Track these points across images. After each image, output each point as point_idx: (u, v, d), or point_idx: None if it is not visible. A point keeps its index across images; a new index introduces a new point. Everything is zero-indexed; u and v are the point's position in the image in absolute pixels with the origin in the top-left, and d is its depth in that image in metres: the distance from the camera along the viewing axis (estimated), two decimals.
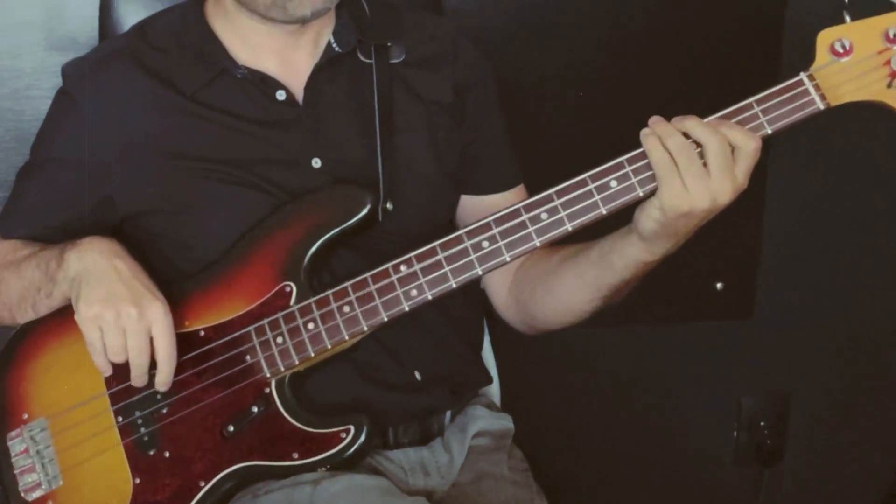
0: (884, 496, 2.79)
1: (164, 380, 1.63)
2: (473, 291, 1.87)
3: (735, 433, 2.71)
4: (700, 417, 2.68)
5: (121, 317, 1.58)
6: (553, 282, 1.76)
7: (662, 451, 2.67)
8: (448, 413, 1.85)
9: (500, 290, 1.88)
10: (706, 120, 1.54)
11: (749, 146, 1.52)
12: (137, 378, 1.62)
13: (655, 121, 1.54)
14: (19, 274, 1.73)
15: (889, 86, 1.53)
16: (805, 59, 1.58)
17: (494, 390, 1.99)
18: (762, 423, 2.69)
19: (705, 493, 2.72)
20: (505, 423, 1.89)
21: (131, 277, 1.61)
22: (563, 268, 1.73)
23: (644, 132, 1.54)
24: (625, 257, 1.63)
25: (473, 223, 1.62)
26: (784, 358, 2.66)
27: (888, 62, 1.53)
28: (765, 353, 2.64)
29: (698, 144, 1.51)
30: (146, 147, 1.74)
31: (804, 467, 2.74)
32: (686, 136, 1.52)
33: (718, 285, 2.52)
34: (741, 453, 2.71)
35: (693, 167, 1.51)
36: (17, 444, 1.70)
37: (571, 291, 1.73)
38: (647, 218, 1.56)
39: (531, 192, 1.87)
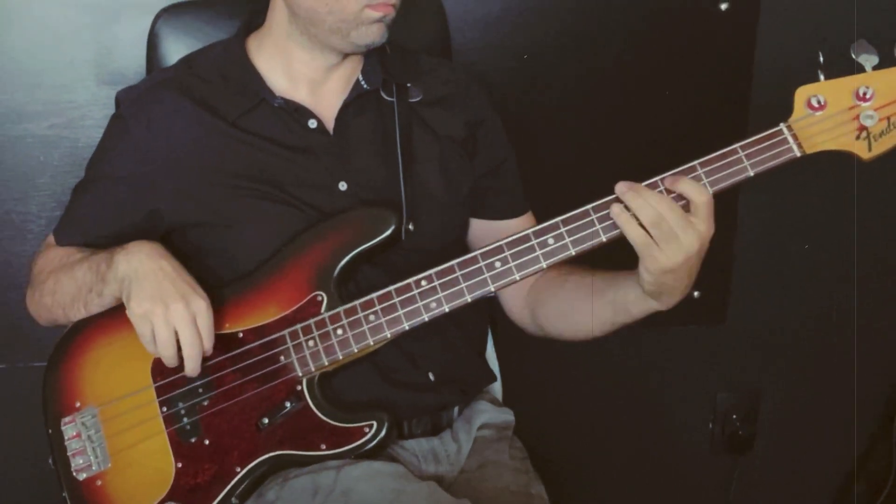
0: (842, 481, 2.81)
1: (194, 366, 1.62)
2: (479, 301, 1.86)
3: (710, 425, 2.72)
4: (679, 411, 2.69)
5: (169, 311, 1.59)
6: (567, 309, 1.79)
7: (646, 441, 2.67)
8: (456, 408, 1.87)
9: (514, 301, 1.90)
10: (671, 176, 1.56)
11: (700, 199, 1.54)
12: (191, 361, 1.61)
13: (624, 191, 1.55)
14: (72, 275, 1.73)
15: (857, 138, 1.55)
16: (772, 99, 1.62)
17: (497, 387, 2.01)
18: (735, 417, 2.70)
19: (684, 478, 2.73)
20: (506, 416, 1.91)
21: (176, 276, 1.62)
22: (578, 299, 1.76)
23: (616, 211, 1.55)
24: (640, 307, 1.66)
25: (487, 246, 1.63)
26: (754, 358, 2.67)
27: (857, 117, 1.55)
28: (737, 354, 2.65)
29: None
30: (190, 165, 1.75)
31: (772, 456, 2.75)
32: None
33: (695, 294, 2.48)
34: (716, 443, 2.72)
35: (664, 234, 1.53)
36: (69, 429, 1.70)
37: (585, 322, 1.76)
38: (643, 281, 1.59)
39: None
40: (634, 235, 1.54)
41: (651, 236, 1.53)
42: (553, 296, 1.82)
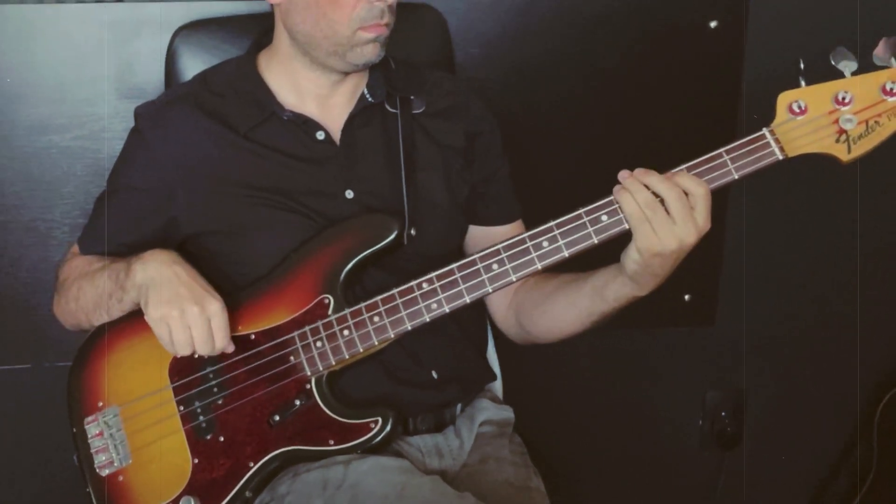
0: (825, 475, 2.80)
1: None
2: (480, 303, 1.87)
3: (700, 422, 2.70)
4: (670, 409, 2.68)
5: (185, 314, 1.59)
6: (548, 306, 1.78)
7: (639, 437, 2.67)
8: (459, 405, 1.87)
9: (500, 307, 1.89)
10: (667, 173, 1.55)
11: (699, 191, 1.53)
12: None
13: (624, 176, 1.55)
14: (93, 283, 1.74)
15: (837, 141, 1.55)
16: (759, 112, 1.61)
17: (498, 386, 2.00)
18: (723, 414, 2.69)
19: (675, 472, 2.72)
20: (507, 413, 1.90)
21: (190, 281, 1.62)
22: (558, 295, 1.75)
23: (616, 189, 1.55)
24: (617, 293, 1.65)
25: (485, 249, 1.63)
26: (741, 358, 2.66)
27: (837, 121, 1.54)
28: (725, 354, 2.64)
29: (658, 195, 1.53)
30: (204, 176, 1.76)
31: (758, 451, 2.74)
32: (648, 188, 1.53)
33: (686, 297, 2.51)
34: (705, 439, 2.71)
35: (658, 216, 1.52)
36: (92, 427, 1.71)
37: (563, 315, 1.76)
38: (629, 260, 1.57)
39: (526, 218, 1.90)
40: (630, 210, 1.53)
41: (646, 216, 1.53)
42: (536, 294, 1.81)
